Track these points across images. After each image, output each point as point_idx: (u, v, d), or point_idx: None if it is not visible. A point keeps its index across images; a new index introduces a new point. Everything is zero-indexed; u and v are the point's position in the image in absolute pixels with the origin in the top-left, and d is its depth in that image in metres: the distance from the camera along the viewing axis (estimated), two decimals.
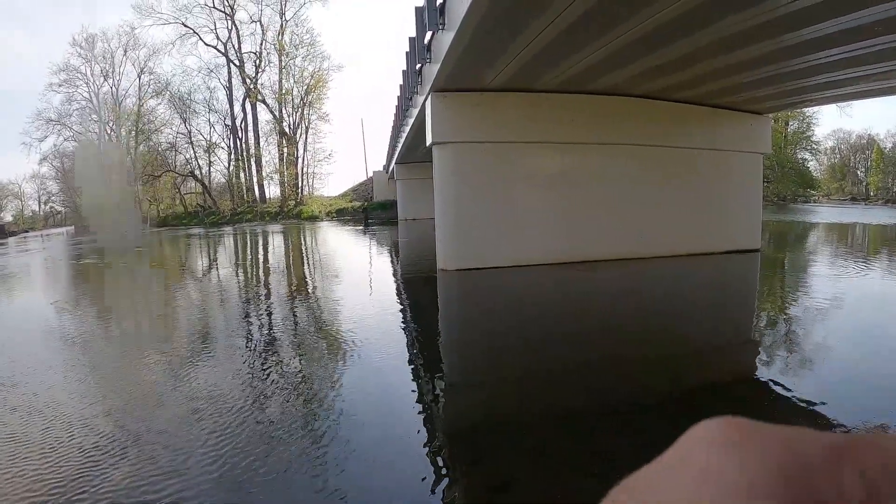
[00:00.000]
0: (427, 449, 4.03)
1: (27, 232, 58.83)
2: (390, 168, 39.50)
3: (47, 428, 4.39)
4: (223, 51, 50.88)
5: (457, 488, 3.47)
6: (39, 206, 72.69)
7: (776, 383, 5.12)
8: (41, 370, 6.19)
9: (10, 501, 3.23)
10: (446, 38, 9.27)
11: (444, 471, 3.65)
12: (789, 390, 4.89)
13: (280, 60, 50.63)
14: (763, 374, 5.68)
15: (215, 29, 50.96)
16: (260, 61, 51.29)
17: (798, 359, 6.08)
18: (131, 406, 4.96)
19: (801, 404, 4.59)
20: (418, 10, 10.83)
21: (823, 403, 4.54)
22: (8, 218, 68.81)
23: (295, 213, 48.14)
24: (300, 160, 52.52)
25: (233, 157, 53.12)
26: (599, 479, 3.49)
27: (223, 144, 53.79)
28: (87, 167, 48.11)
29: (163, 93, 51.56)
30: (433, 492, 3.39)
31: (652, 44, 8.90)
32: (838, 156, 62.44)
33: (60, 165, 56.68)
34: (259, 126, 52.78)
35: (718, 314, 8.91)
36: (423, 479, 3.53)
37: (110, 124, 51.28)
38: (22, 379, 5.81)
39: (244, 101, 51.80)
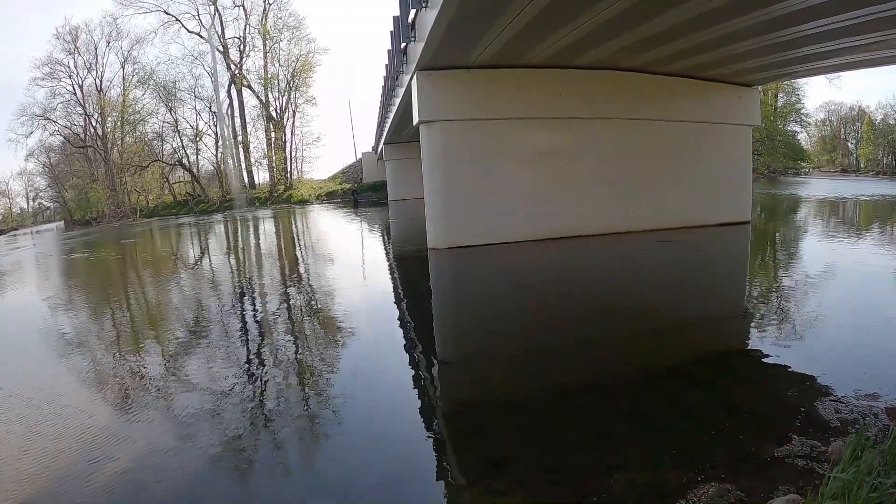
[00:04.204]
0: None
1: (15, 230, 57.91)
2: (379, 149, 39.23)
3: None
4: (206, 37, 50.00)
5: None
6: (28, 203, 71.58)
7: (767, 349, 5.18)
8: None
9: None
10: (430, 16, 9.13)
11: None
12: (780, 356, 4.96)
13: (264, 45, 49.87)
14: (756, 342, 5.74)
15: (198, 15, 49.96)
16: (244, 46, 50.50)
17: (788, 327, 6.13)
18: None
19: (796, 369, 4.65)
20: None
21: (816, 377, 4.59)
22: None
23: (285, 198, 47.79)
24: (288, 144, 52.04)
25: (220, 143, 52.52)
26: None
27: (210, 132, 53.14)
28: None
29: (147, 82, 50.69)
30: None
31: (639, 16, 8.79)
32: (829, 128, 62.29)
33: (47, 160, 55.79)
34: (246, 111, 52.17)
35: (713, 286, 8.95)
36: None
37: (95, 116, 50.41)
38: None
39: (230, 87, 51.10)
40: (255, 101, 52.16)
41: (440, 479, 3.34)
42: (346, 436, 3.94)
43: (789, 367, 4.71)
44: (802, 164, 54.51)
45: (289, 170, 52.00)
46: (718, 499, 2.85)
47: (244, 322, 7.85)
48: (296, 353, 6.14)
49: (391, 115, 22.52)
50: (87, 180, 51.31)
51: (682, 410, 4.06)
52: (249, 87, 51.14)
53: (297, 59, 50.24)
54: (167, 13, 48.42)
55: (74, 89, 49.60)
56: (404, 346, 6.18)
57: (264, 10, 49.29)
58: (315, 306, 8.61)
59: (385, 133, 29.52)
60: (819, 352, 5.18)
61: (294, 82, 50.62)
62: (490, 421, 4.10)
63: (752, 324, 6.40)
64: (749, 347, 5.59)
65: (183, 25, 49.35)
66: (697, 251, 12.06)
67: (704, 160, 14.30)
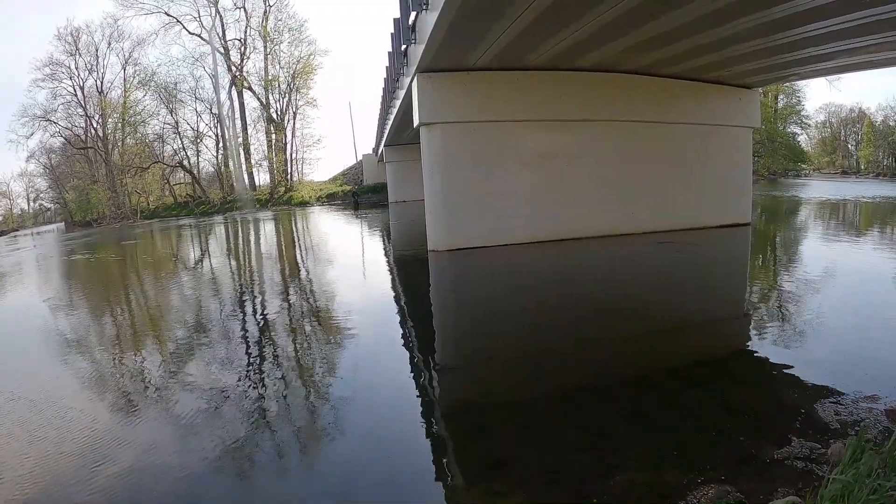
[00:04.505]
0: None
1: (16, 231, 57.79)
2: (379, 151, 39.26)
3: None
4: (207, 39, 50.04)
5: None
6: (28, 204, 71.69)
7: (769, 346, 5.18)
8: None
9: None
10: (430, 18, 9.14)
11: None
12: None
13: (265, 47, 49.91)
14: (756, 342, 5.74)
15: (199, 17, 50.05)
16: (245, 48, 50.54)
17: (788, 328, 6.14)
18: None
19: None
20: None
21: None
22: None
23: (285, 200, 47.80)
24: (289, 146, 52.07)
25: (221, 145, 52.53)
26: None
27: (211, 133, 53.17)
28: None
29: (148, 84, 50.72)
30: None
31: (641, 17, 8.79)
32: (829, 130, 62.37)
33: (48, 162, 55.85)
34: (246, 113, 52.20)
35: (713, 288, 8.95)
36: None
37: (96, 118, 50.46)
38: None
39: (230, 88, 51.12)
40: (255, 103, 52.24)
41: (440, 479, 3.35)
42: (347, 436, 3.94)
43: (789, 369, 4.70)
44: (803, 165, 54.59)
45: (289, 171, 52.02)
46: (718, 500, 2.85)
47: (244, 324, 7.86)
48: (296, 354, 6.15)
49: (392, 117, 22.53)
50: (88, 181, 51.38)
51: (682, 411, 4.06)
52: (250, 88, 51.17)
53: (298, 61, 50.30)
54: (168, 14, 48.54)
55: (75, 90, 49.71)
56: (404, 347, 6.18)
57: (265, 11, 49.37)
58: (316, 308, 8.61)
59: (385, 135, 29.53)
60: (819, 353, 5.19)
61: (295, 84, 50.65)
62: (490, 421, 4.10)
63: (752, 325, 6.40)
64: (749, 349, 5.58)
65: (184, 27, 49.42)
66: (697, 253, 12.06)
67: (704, 162, 14.30)
